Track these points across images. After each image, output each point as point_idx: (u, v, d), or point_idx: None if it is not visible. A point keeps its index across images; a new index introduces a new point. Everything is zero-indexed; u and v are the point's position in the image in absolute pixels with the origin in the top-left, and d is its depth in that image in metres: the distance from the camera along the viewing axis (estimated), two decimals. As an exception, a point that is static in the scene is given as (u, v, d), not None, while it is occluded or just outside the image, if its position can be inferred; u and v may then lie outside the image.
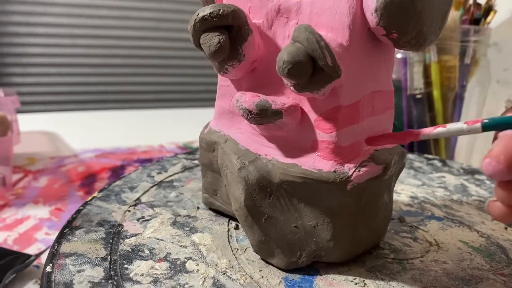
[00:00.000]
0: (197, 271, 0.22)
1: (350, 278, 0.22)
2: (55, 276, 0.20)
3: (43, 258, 0.31)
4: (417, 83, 0.47)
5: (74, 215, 0.26)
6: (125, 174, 0.33)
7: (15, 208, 0.41)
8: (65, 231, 0.24)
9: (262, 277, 0.22)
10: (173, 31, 1.48)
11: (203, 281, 0.21)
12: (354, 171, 0.20)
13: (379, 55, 0.21)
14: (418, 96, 0.48)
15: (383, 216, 0.24)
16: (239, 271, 0.22)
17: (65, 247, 0.23)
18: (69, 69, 1.40)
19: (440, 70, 0.47)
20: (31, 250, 0.34)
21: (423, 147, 0.50)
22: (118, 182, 0.32)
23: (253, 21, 0.22)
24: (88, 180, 0.49)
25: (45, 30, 1.34)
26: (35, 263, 0.31)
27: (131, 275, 0.21)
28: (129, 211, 0.27)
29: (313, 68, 0.19)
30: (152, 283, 0.20)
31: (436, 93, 0.47)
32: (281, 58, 0.19)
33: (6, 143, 0.45)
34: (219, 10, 0.20)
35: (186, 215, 0.28)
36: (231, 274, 0.22)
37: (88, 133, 0.71)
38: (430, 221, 0.29)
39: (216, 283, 0.21)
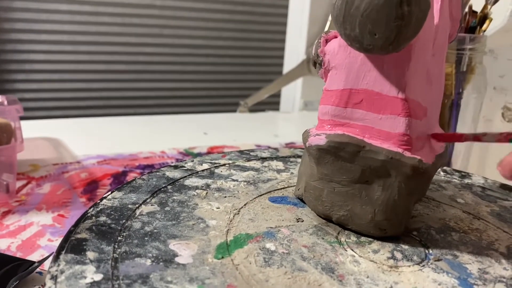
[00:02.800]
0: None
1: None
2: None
3: (46, 264, 0.32)
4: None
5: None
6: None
7: (18, 215, 0.42)
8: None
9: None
10: (174, 37, 1.49)
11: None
12: None
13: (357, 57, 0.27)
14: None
15: None
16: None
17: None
18: (72, 76, 1.42)
19: (437, 77, 0.47)
20: (34, 257, 0.34)
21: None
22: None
23: None
24: (91, 187, 0.50)
25: (47, 37, 1.35)
26: (38, 269, 0.32)
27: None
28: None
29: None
30: None
31: (433, 100, 0.48)
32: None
33: (10, 150, 0.46)
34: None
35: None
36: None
37: (90, 139, 0.72)
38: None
39: None
